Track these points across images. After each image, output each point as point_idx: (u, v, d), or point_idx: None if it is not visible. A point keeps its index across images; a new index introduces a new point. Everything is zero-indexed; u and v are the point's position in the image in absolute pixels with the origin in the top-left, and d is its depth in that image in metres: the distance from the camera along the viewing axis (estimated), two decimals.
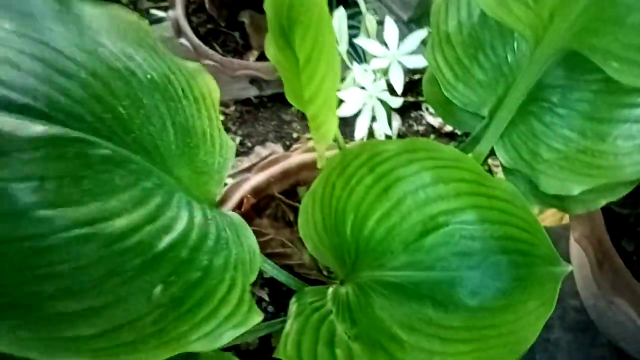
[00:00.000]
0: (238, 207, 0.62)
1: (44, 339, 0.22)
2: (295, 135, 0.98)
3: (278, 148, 0.96)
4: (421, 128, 1.01)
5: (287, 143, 0.98)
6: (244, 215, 0.62)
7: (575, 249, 0.64)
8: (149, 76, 0.29)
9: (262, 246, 0.59)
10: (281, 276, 0.46)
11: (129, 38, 0.30)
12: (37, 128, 0.23)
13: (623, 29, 0.31)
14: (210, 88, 0.35)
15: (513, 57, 0.41)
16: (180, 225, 0.27)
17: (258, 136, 0.97)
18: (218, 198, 0.36)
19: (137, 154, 0.28)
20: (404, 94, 1.08)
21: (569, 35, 0.34)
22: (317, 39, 0.33)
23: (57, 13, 0.27)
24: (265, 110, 1.00)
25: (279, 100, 0.99)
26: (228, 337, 0.28)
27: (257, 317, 0.29)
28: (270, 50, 0.44)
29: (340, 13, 0.41)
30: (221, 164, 0.35)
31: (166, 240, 0.26)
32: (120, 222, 0.24)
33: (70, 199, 0.23)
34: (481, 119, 0.44)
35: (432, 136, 1.00)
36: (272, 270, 0.44)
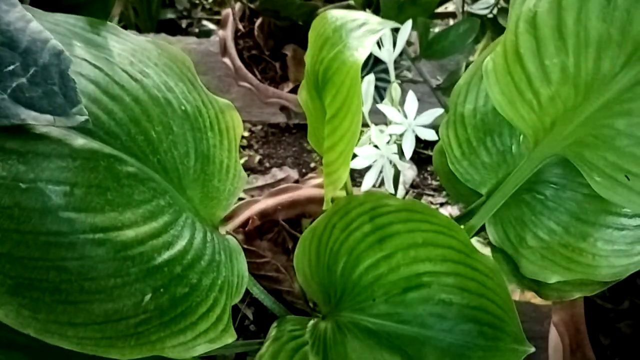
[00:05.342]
0: (243, 226, 0.65)
1: (41, 320, 0.25)
2: (312, 164, 1.00)
3: (294, 174, 0.99)
4: (435, 183, 1.03)
5: (304, 170, 1.00)
6: (247, 235, 0.65)
7: (554, 332, 0.66)
8: (182, 107, 0.33)
9: (257, 267, 0.62)
10: (267, 301, 0.48)
11: (172, 71, 0.34)
12: (79, 141, 0.27)
13: (610, 149, 0.34)
14: (235, 123, 0.39)
15: (517, 149, 0.44)
16: (180, 244, 0.30)
17: (277, 158, 1.00)
18: (221, 220, 0.39)
19: (158, 174, 0.31)
20: (425, 148, 1.10)
21: (565, 143, 0.36)
22: (345, 100, 0.35)
23: (115, 42, 0.31)
24: (290, 136, 1.03)
25: (304, 129, 1.02)
26: (201, 349, 0.31)
27: (230, 337, 0.32)
28: (302, 95, 0.48)
29: (370, 78, 0.44)
30: (231, 192, 0.38)
31: (165, 255, 0.29)
32: (130, 233, 0.27)
33: (93, 207, 0.26)
34: (479, 196, 0.47)
35: (444, 192, 1.02)
36: (259, 294, 0.47)
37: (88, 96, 0.28)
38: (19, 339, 0.29)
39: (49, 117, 0.25)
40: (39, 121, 0.24)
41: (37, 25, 0.26)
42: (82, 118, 0.25)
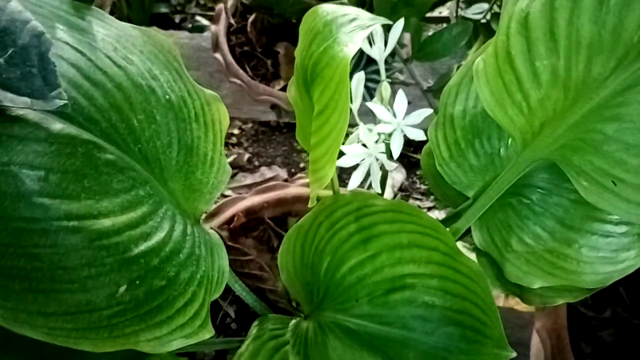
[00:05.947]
0: (228, 223, 0.64)
1: (10, 309, 0.24)
2: (302, 164, 1.00)
3: (282, 173, 0.98)
4: (423, 187, 1.03)
5: (293, 170, 1.00)
6: (232, 232, 0.64)
7: (536, 339, 0.65)
8: (167, 96, 0.32)
9: (241, 265, 0.62)
10: (249, 298, 0.47)
11: (157, 59, 0.33)
12: (57, 125, 0.26)
13: (598, 154, 0.33)
14: (222, 116, 0.38)
15: (505, 152, 0.44)
16: (158, 236, 0.30)
17: (267, 157, 1.00)
18: (204, 215, 0.38)
19: (139, 163, 0.31)
20: (415, 152, 1.10)
21: (553, 147, 0.36)
22: (333, 96, 0.35)
23: (100, 27, 0.31)
24: (280, 135, 1.02)
25: (295, 128, 1.02)
26: (177, 344, 0.30)
27: (208, 333, 0.31)
28: (291, 90, 0.47)
29: (360, 76, 0.44)
30: (214, 185, 0.38)
31: (142, 247, 0.28)
32: (106, 222, 0.27)
33: (68, 193, 0.25)
34: (466, 199, 0.47)
35: (432, 197, 1.02)
36: (241, 291, 0.46)
37: (68, 80, 0.28)
38: None
39: (26, 99, 0.24)
40: (15, 103, 0.24)
41: (17, 5, 0.25)
42: (61, 102, 0.25)
